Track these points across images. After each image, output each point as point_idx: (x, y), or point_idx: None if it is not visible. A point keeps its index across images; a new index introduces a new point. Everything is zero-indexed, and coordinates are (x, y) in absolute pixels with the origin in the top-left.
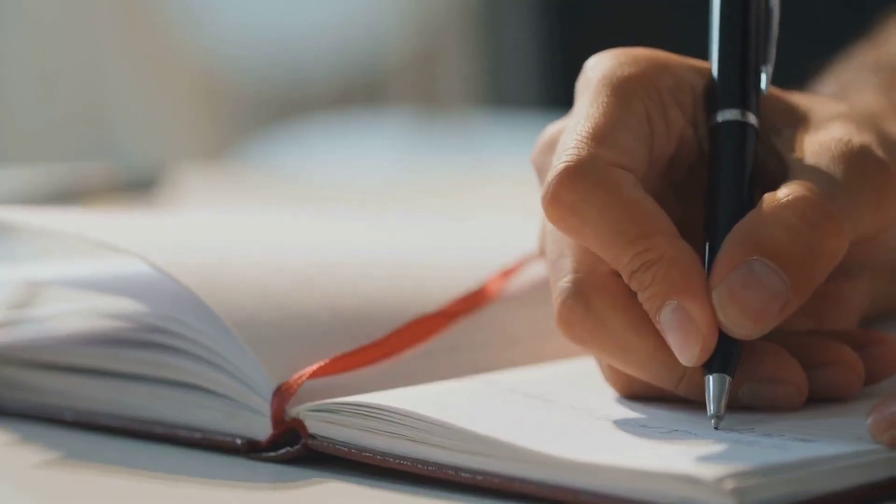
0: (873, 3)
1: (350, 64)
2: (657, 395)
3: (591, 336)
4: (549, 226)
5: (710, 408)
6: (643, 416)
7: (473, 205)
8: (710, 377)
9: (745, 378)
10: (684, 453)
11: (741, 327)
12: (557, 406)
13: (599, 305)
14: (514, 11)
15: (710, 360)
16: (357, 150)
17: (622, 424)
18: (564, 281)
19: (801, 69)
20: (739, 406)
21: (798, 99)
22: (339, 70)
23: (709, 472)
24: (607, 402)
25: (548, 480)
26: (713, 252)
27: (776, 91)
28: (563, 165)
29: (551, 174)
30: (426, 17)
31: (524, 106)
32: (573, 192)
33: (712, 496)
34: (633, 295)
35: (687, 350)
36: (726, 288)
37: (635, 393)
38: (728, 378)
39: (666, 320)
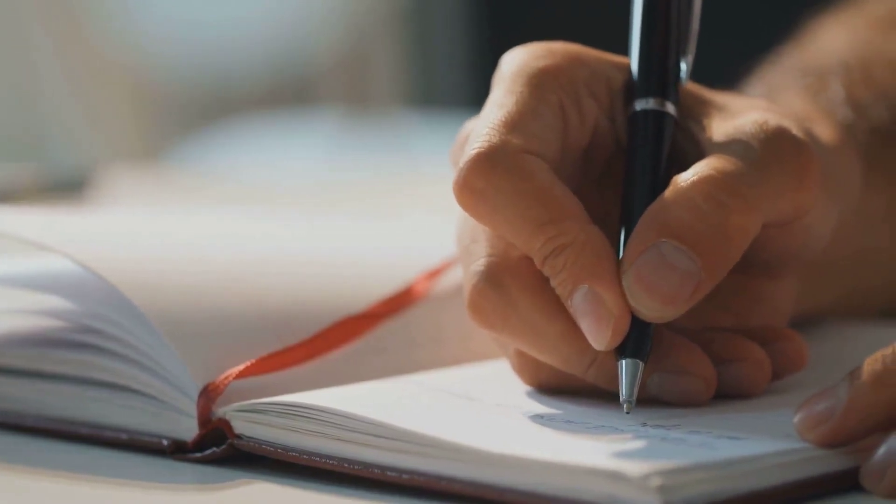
0: (800, 6)
1: (279, 65)
2: (566, 384)
3: (503, 321)
4: (462, 213)
5: (623, 392)
6: (569, 413)
7: (403, 205)
8: (623, 362)
9: (654, 368)
10: (610, 450)
11: (652, 310)
12: (483, 404)
13: (511, 290)
14: (442, 12)
15: (622, 346)
16: (287, 151)
17: (548, 421)
18: (476, 265)
19: (727, 71)
20: (647, 396)
21: (718, 94)
22: (269, 71)
23: (635, 468)
24: (533, 399)
25: (474, 479)
26: (627, 238)
27: (697, 86)
28: (474, 152)
29: (462, 160)
30: (355, 17)
31: (453, 106)
32: (483, 178)
33: (638, 493)
34: (546, 280)
35: (599, 334)
36: (635, 271)
37: (543, 382)
38: (640, 363)
39: (578, 304)
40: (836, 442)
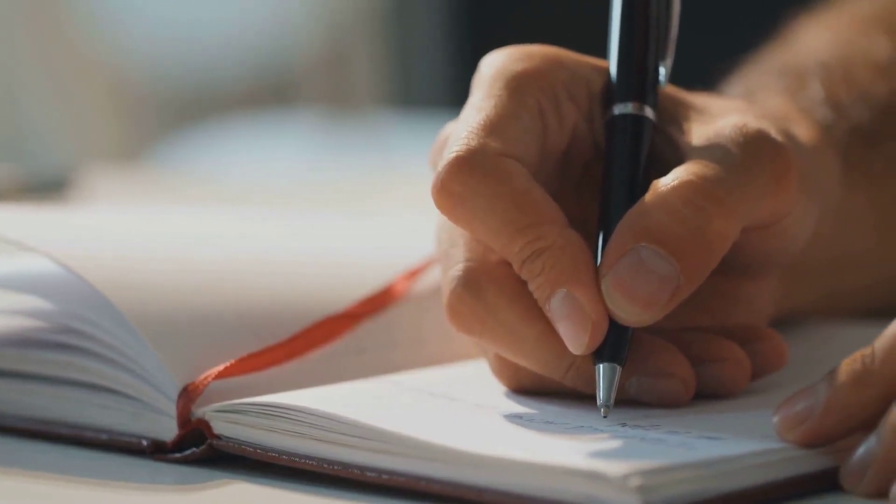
0: (781, 6)
1: (260, 65)
2: (545, 387)
3: (481, 325)
4: (441, 216)
5: (600, 397)
6: (548, 413)
7: (384, 205)
8: (601, 366)
9: (633, 371)
10: (590, 450)
11: (630, 314)
12: (463, 405)
13: (489, 294)
14: (422, 12)
15: (600, 349)
16: (268, 151)
17: (528, 422)
18: (455, 270)
19: (708, 71)
20: (627, 398)
21: (697, 97)
22: (249, 71)
23: (614, 468)
24: (512, 400)
25: (453, 479)
26: (606, 242)
27: (676, 89)
28: (452, 156)
29: (441, 164)
30: (335, 17)
31: (433, 106)
32: (462, 182)
33: (617, 493)
34: (524, 284)
35: (576, 338)
36: (614, 275)
37: (523, 385)
38: (618, 367)
39: (556, 308)
40: (815, 442)
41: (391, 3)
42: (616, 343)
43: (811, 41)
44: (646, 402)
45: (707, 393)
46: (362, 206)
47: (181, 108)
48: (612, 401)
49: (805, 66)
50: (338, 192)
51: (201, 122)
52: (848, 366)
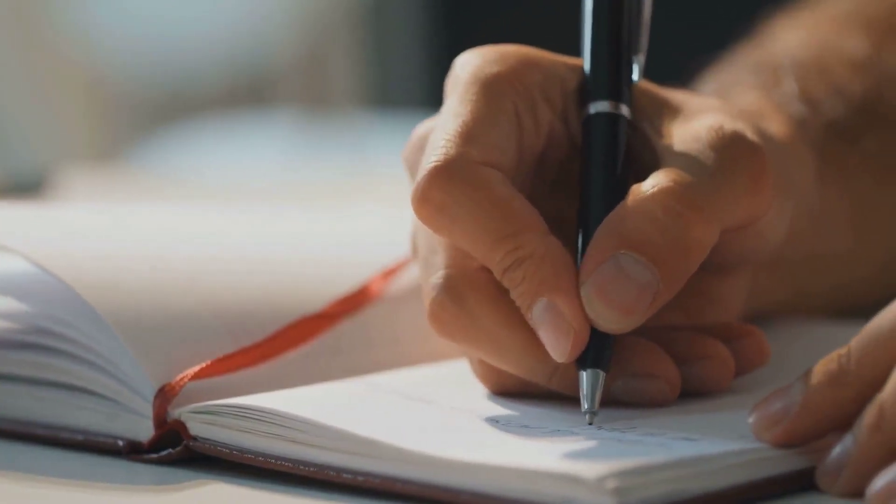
0: (758, 4)
1: (237, 65)
2: (529, 390)
3: (464, 333)
4: (417, 221)
5: (584, 403)
6: (525, 416)
7: (361, 205)
8: (584, 373)
9: (617, 373)
10: (566, 453)
11: (610, 321)
12: (439, 407)
13: (471, 302)
14: (399, 12)
15: (583, 356)
16: (245, 151)
17: (504, 425)
18: (436, 278)
19: (684, 67)
20: (613, 401)
21: (672, 93)
22: (227, 71)
23: (590, 471)
24: (489, 402)
25: (430, 481)
26: (586, 245)
27: (651, 85)
28: (432, 165)
29: (420, 173)
30: (312, 17)
31: (410, 106)
32: (442, 191)
33: (594, 495)
34: (505, 291)
35: (558, 346)
36: (594, 283)
37: (507, 389)
38: (602, 373)
39: (537, 317)
40: (791, 442)
41: (368, 4)
42: (599, 349)
43: (787, 39)
44: (632, 404)
45: (692, 391)
46: (339, 206)
47: (159, 108)
48: (596, 407)
49: (780, 63)
50: (315, 191)
51: (179, 122)
52: (824, 366)
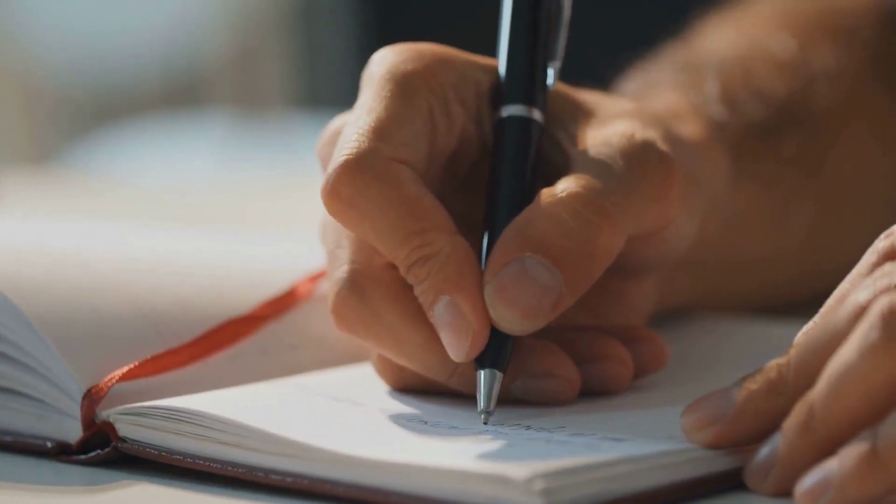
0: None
1: (169, 66)
2: (429, 388)
3: (365, 327)
4: (327, 216)
5: (480, 403)
6: (455, 418)
7: (293, 206)
8: (481, 372)
9: (517, 373)
10: (495, 454)
11: (511, 323)
12: (367, 409)
13: (374, 297)
14: (331, 12)
15: (481, 356)
16: (178, 153)
17: (433, 426)
18: (340, 272)
19: (613, 65)
20: (513, 401)
21: (587, 96)
22: (159, 73)
23: (518, 471)
24: (418, 404)
25: (358, 482)
26: (491, 247)
27: (565, 88)
28: (342, 159)
29: (331, 167)
30: (243, 18)
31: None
32: (352, 185)
33: (521, 496)
34: (409, 287)
35: (457, 345)
36: (497, 284)
37: (407, 385)
38: (499, 373)
39: (439, 315)
40: (723, 444)
41: (299, 5)
42: (498, 350)
43: (714, 39)
44: (532, 403)
45: (593, 391)
46: (272, 208)
47: (91, 110)
48: (492, 407)
49: (704, 63)
50: (248, 193)
51: (111, 124)
52: (764, 374)
